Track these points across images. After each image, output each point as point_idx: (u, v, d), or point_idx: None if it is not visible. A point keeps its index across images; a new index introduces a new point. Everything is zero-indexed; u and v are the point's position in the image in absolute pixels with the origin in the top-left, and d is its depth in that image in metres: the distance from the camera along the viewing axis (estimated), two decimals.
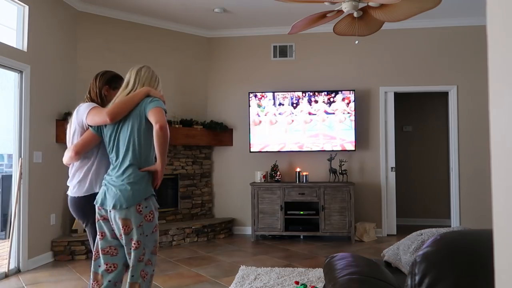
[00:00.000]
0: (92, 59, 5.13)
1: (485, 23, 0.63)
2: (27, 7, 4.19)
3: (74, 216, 2.46)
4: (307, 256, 4.66)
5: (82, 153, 2.32)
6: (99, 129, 2.31)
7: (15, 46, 4.09)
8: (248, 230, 5.87)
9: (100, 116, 2.24)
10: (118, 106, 2.22)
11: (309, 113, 5.68)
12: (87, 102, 2.44)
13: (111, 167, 2.26)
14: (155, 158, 2.25)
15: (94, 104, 2.38)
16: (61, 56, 4.79)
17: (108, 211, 2.18)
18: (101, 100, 2.45)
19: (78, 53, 5.08)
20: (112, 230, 2.21)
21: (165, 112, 2.22)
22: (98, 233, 2.24)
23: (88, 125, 2.32)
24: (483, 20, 5.00)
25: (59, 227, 4.69)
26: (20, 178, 4.00)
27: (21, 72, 4.10)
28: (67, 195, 2.46)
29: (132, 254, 2.17)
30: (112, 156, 2.26)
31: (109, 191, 2.17)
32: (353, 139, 5.61)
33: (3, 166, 6.23)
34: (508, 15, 0.47)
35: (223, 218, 6.02)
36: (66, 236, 4.69)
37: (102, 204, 2.19)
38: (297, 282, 3.51)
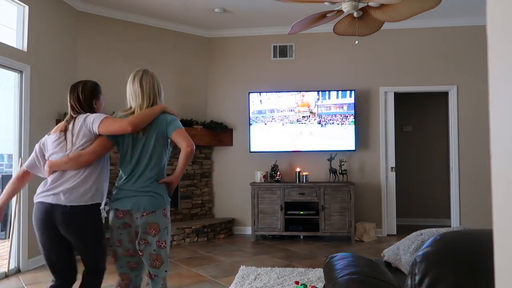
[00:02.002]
0: (92, 59, 5.13)
1: (485, 23, 0.63)
2: (27, 7, 4.19)
3: (74, 231, 2.20)
4: (307, 256, 4.66)
5: (94, 160, 2.24)
6: (113, 138, 2.31)
7: (15, 46, 4.09)
8: (248, 230, 5.87)
9: (119, 125, 2.19)
10: (140, 118, 2.23)
11: (310, 113, 5.68)
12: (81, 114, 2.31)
13: (127, 177, 2.28)
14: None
15: (105, 115, 2.29)
16: (61, 56, 4.79)
17: (135, 217, 2.24)
18: (92, 112, 2.34)
19: (78, 53, 5.08)
20: (131, 236, 2.28)
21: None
22: (115, 241, 2.29)
23: (100, 134, 2.25)
24: (483, 20, 5.00)
25: None
26: None
27: (21, 72, 4.10)
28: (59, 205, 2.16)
29: (159, 252, 2.30)
30: (130, 167, 2.29)
31: (132, 197, 2.24)
32: (353, 139, 5.61)
33: (3, 166, 6.23)
34: (508, 15, 0.47)
35: (223, 218, 6.02)
36: None
37: (124, 207, 2.24)
38: (297, 282, 3.51)
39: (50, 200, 2.17)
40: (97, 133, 2.24)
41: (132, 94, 2.36)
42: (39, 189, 2.26)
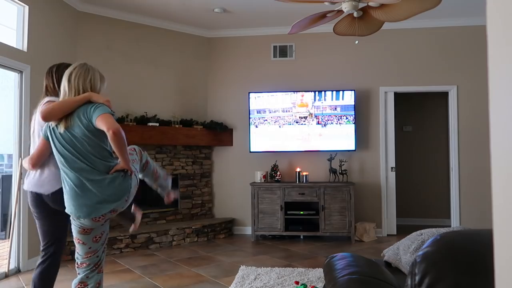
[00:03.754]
0: (92, 59, 5.11)
1: (485, 23, 0.63)
2: (27, 7, 4.19)
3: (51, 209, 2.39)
4: (307, 256, 4.66)
5: (38, 164, 2.25)
6: (46, 134, 2.20)
7: (15, 46, 4.09)
8: (248, 230, 5.87)
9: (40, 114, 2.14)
10: (54, 106, 2.10)
11: (309, 113, 5.68)
12: (46, 97, 2.36)
13: (67, 175, 2.13)
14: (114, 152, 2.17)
15: (47, 100, 2.31)
16: (61, 56, 4.78)
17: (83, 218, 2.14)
18: None
19: (78, 53, 5.08)
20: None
21: (113, 115, 2.11)
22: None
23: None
24: (483, 20, 5.00)
25: None
26: (20, 178, 4.00)
27: (21, 72, 4.10)
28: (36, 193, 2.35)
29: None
30: (66, 163, 2.12)
31: (80, 200, 2.10)
32: (353, 139, 5.61)
33: (3, 166, 6.23)
34: (508, 15, 0.47)
35: (223, 218, 6.02)
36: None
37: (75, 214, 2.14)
38: (297, 282, 3.51)
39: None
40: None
41: (61, 90, 2.21)
42: None
